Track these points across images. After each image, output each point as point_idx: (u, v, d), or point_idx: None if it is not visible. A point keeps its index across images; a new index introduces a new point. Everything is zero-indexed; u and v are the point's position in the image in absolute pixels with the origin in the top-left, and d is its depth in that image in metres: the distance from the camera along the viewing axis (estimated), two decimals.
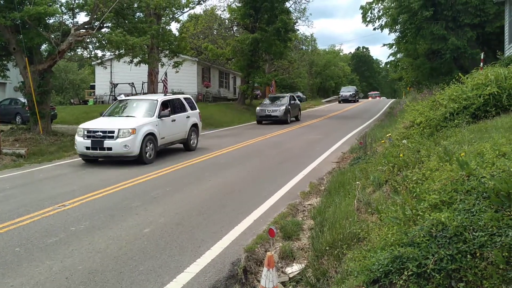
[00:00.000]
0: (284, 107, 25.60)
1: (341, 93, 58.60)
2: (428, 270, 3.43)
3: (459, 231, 3.50)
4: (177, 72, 27.78)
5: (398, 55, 38.18)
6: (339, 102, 55.76)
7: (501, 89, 7.57)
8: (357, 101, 57.34)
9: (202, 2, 32.17)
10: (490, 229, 3.42)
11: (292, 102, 27.46)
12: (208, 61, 40.67)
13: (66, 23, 18.93)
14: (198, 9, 69.80)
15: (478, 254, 3.36)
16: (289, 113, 25.93)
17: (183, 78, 34.87)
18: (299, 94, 58.54)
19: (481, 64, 14.42)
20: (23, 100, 22.20)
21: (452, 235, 3.52)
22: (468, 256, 3.37)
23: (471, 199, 3.76)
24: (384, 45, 45.74)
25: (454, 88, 8.54)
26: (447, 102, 8.04)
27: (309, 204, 7.97)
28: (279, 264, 5.37)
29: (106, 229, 6.62)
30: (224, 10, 40.66)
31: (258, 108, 26.81)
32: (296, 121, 27.08)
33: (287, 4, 36.53)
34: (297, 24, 42.95)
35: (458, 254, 3.41)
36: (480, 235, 3.42)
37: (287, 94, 29.25)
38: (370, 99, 68.64)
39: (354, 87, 67.32)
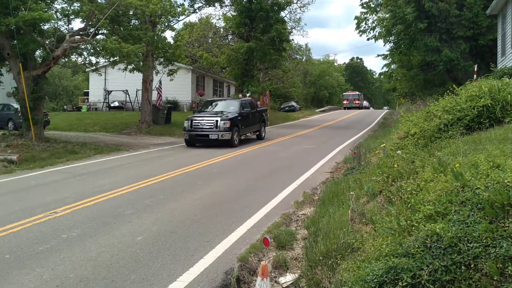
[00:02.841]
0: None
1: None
2: (422, 281, 3.41)
3: (454, 242, 3.49)
4: (171, 80, 27.78)
5: (392, 66, 38.45)
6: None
7: (495, 101, 7.62)
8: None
9: (197, 10, 32.39)
10: (484, 241, 3.41)
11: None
12: (202, 70, 40.76)
13: (61, 29, 18.95)
14: (194, 18, 70.16)
15: (472, 265, 3.35)
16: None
17: (178, 86, 34.90)
18: (293, 103, 58.79)
19: (475, 76, 14.54)
20: (16, 106, 22.08)
21: (447, 246, 3.50)
22: (463, 267, 3.36)
23: (466, 210, 3.76)
24: (378, 55, 46.21)
25: (448, 100, 8.59)
26: (442, 113, 8.08)
27: (303, 214, 7.95)
28: (272, 274, 5.33)
29: (98, 236, 6.55)
30: (219, 18, 41.02)
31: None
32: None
33: (282, 14, 36.82)
34: (292, 33, 43.23)
35: (452, 265, 3.39)
36: (474, 246, 3.40)
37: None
38: (345, 102, 68.86)
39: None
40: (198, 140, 18.93)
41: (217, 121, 18.30)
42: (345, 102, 68.64)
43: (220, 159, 14.69)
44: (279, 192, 9.62)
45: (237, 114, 19.16)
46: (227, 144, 18.21)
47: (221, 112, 19.44)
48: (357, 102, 67.27)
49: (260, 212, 7.99)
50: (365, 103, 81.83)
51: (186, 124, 18.99)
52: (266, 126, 23.47)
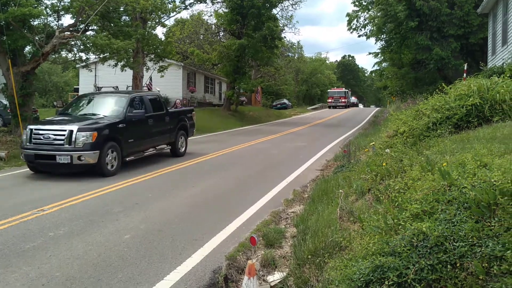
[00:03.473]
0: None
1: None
2: (408, 280, 3.41)
3: (440, 241, 3.49)
4: (162, 76, 27.66)
5: (383, 64, 38.60)
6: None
7: (483, 100, 7.66)
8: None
9: (189, 7, 32.23)
10: (470, 240, 3.41)
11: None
12: (194, 66, 40.60)
13: (51, 25, 18.71)
14: (185, 14, 69.81)
15: (458, 265, 3.36)
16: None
17: (168, 83, 34.72)
18: (285, 101, 58.83)
19: (464, 75, 14.62)
20: (4, 102, 21.84)
21: (433, 245, 3.51)
22: (449, 266, 3.36)
23: (452, 209, 3.77)
24: (369, 53, 46.27)
25: (437, 98, 8.62)
26: (430, 112, 8.10)
27: (292, 212, 7.94)
28: (260, 272, 5.31)
29: (85, 234, 6.50)
30: (211, 15, 40.78)
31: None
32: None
33: (274, 11, 36.74)
34: (284, 31, 43.21)
35: (438, 264, 3.40)
36: (460, 245, 3.41)
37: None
38: (330, 101, 63.24)
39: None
40: (39, 164, 11.39)
41: (71, 131, 10.83)
42: (329, 100, 62.79)
43: (210, 156, 14.64)
44: (269, 189, 9.61)
45: (118, 120, 11.83)
46: (92, 171, 11.15)
47: (91, 115, 12.25)
48: (343, 100, 61.67)
49: (250, 210, 7.97)
50: (353, 99, 78.54)
51: (25, 136, 11.60)
52: (191, 136, 16.50)
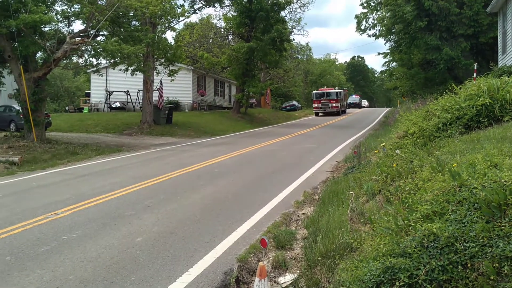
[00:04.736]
0: None
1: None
2: (419, 281, 3.42)
3: (451, 241, 3.50)
4: (172, 80, 27.83)
5: (392, 64, 38.45)
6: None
7: (494, 100, 7.62)
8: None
9: (197, 11, 32.48)
10: (481, 240, 3.42)
11: None
12: (203, 70, 40.80)
13: (62, 31, 18.98)
14: (194, 18, 70.12)
15: (469, 265, 3.36)
16: None
17: (179, 87, 34.96)
18: (294, 102, 58.80)
19: (474, 74, 14.54)
20: (17, 107, 22.13)
21: (444, 245, 3.51)
22: (459, 267, 3.37)
23: (463, 210, 3.77)
24: (378, 53, 46.07)
25: (447, 99, 8.59)
26: (440, 113, 8.07)
27: (303, 214, 7.96)
28: (271, 274, 5.34)
29: (98, 238, 6.58)
30: (220, 19, 41.03)
31: None
32: None
33: (283, 14, 36.83)
34: (292, 33, 43.26)
35: (449, 265, 3.40)
36: (471, 246, 3.42)
37: None
38: (315, 105, 44.66)
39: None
40: None
41: None
42: (315, 105, 44.45)
43: (221, 158, 14.71)
44: (280, 191, 9.63)
45: None
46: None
47: None
48: (334, 105, 43.24)
49: (261, 212, 8.00)
50: (356, 98, 71.89)
51: None
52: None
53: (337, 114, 43.07)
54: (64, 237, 6.65)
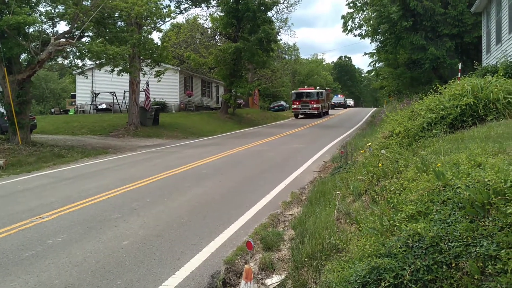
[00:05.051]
0: None
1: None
2: (404, 281, 3.44)
3: (435, 241, 3.52)
4: (159, 81, 27.69)
5: (377, 64, 38.71)
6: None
7: (478, 99, 7.70)
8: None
9: (184, 11, 32.34)
10: (465, 240, 3.44)
11: None
12: (190, 70, 40.68)
13: (46, 32, 18.75)
14: (181, 18, 69.88)
15: (453, 265, 3.38)
16: None
17: (165, 87, 34.81)
18: (282, 103, 58.91)
19: (459, 74, 14.69)
20: (1, 110, 21.83)
21: (428, 245, 3.53)
22: (444, 266, 3.39)
23: (447, 209, 3.79)
24: (365, 54, 46.25)
25: (432, 98, 8.66)
26: (425, 112, 8.14)
27: (290, 214, 7.96)
28: (259, 276, 5.34)
29: (83, 241, 6.51)
30: (207, 19, 40.94)
31: None
32: None
33: (269, 14, 36.83)
34: (279, 33, 43.31)
35: (434, 265, 3.42)
36: (455, 245, 3.44)
37: None
38: (295, 107, 41.37)
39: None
40: None
41: None
42: (294, 106, 41.27)
43: (209, 160, 14.66)
44: (267, 192, 9.63)
45: None
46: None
47: None
48: (315, 106, 39.96)
49: (248, 213, 7.98)
50: (341, 98, 67.25)
51: None
52: None
53: (318, 116, 40.02)
54: (49, 241, 6.57)
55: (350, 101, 77.60)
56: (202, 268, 5.46)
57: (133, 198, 9.25)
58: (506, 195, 3.55)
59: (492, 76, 8.70)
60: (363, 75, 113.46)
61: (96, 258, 5.83)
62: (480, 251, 3.33)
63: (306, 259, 5.05)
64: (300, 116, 40.96)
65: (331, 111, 49.81)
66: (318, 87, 46.59)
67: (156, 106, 30.06)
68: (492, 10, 18.27)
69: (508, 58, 12.58)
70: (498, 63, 12.32)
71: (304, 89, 42.83)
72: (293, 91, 42.97)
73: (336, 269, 4.09)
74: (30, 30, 18.10)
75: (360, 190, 6.78)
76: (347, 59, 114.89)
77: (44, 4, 18.56)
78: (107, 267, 5.52)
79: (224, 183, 10.84)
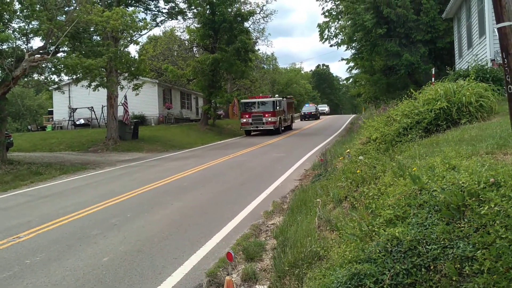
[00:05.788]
0: None
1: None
2: (385, 286, 3.46)
3: (413, 245, 3.56)
4: (137, 94, 27.48)
5: (353, 71, 39.19)
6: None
7: (451, 103, 7.86)
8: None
9: (160, 24, 32.27)
10: (442, 242, 3.49)
11: None
12: (169, 83, 40.53)
13: (20, 48, 18.48)
14: (157, 31, 69.75)
15: (432, 267, 3.43)
16: None
17: (144, 101, 34.59)
18: None
19: (433, 79, 14.96)
20: None
21: (407, 249, 3.57)
22: (423, 269, 3.43)
23: (424, 212, 3.85)
24: (342, 59, 46.84)
25: (406, 104, 8.81)
26: (401, 118, 8.27)
27: (272, 224, 7.96)
28: (241, 287, 5.31)
29: (62, 260, 6.39)
30: (184, 31, 40.82)
31: None
32: None
33: (246, 25, 37.00)
34: (257, 44, 43.53)
35: (413, 268, 3.46)
36: (433, 248, 3.48)
37: None
38: (244, 121, 31.91)
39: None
40: None
41: None
42: (243, 120, 32.14)
43: (190, 172, 14.58)
44: (248, 203, 9.61)
45: None
46: None
47: None
48: (270, 119, 30.93)
49: (230, 224, 7.95)
50: (311, 107, 55.19)
51: None
52: None
53: (276, 132, 31.25)
54: (27, 261, 6.44)
55: (325, 108, 69.11)
56: (184, 282, 5.41)
57: (113, 214, 9.13)
58: (480, 196, 3.62)
59: (464, 80, 8.90)
60: (341, 83, 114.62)
61: (75, 276, 5.73)
62: (457, 253, 3.38)
63: (287, 268, 5.05)
64: (253, 133, 32.71)
65: (299, 124, 43.07)
66: (277, 95, 37.54)
67: (135, 120, 29.83)
68: (463, 15, 18.72)
69: (479, 62, 12.89)
70: (469, 67, 12.61)
71: (256, 98, 34.06)
72: (242, 101, 34.39)
73: (318, 277, 4.11)
74: (4, 47, 17.83)
75: (340, 197, 6.83)
76: (325, 67, 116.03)
77: (18, 20, 18.31)
78: (87, 285, 5.43)
79: (205, 195, 10.79)
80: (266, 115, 30.95)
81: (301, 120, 49.51)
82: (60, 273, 5.88)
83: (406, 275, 3.46)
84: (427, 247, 3.53)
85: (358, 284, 3.58)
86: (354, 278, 3.63)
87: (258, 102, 32.10)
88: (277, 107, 31.96)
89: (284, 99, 35.91)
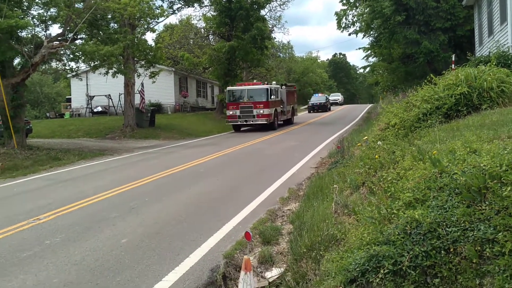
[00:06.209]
0: None
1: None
2: (403, 268, 3.45)
3: (433, 227, 3.53)
4: (153, 82, 27.62)
5: (371, 59, 38.67)
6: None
7: (472, 88, 7.73)
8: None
9: (176, 12, 32.27)
10: (462, 224, 3.46)
11: None
12: (185, 71, 40.60)
13: (39, 35, 18.68)
14: (174, 19, 69.67)
15: (452, 250, 3.40)
16: None
17: (160, 89, 34.72)
18: None
19: (453, 65, 14.72)
20: None
21: (426, 231, 3.55)
22: (442, 252, 3.40)
23: (444, 195, 3.81)
24: (359, 48, 46.16)
25: (426, 89, 8.68)
26: (420, 103, 8.16)
27: (288, 209, 7.97)
28: (258, 269, 5.34)
29: (82, 241, 6.50)
30: (200, 19, 40.73)
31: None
32: None
33: (262, 12, 36.78)
34: (273, 31, 43.23)
35: (432, 251, 3.44)
36: (453, 230, 3.45)
37: None
38: (231, 113, 26.11)
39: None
40: None
41: None
42: (230, 112, 26.38)
43: (206, 159, 14.65)
44: (265, 189, 9.62)
45: None
46: None
47: None
48: (263, 111, 25.42)
49: (246, 209, 7.98)
50: (321, 97, 48.79)
51: None
52: None
53: (271, 127, 25.96)
54: (47, 241, 6.55)
55: (338, 97, 61.87)
56: (201, 263, 5.46)
57: (131, 198, 9.23)
58: (502, 178, 3.57)
59: (485, 66, 8.74)
60: (358, 72, 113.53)
61: (95, 256, 5.82)
62: (478, 235, 3.35)
63: (304, 251, 5.05)
64: (242, 128, 27.38)
65: (304, 117, 37.97)
66: (274, 82, 30.55)
67: (151, 108, 30.00)
68: (483, 2, 18.32)
69: (501, 48, 12.62)
70: (490, 53, 12.36)
71: (245, 85, 27.55)
72: (227, 89, 27.88)
73: (335, 259, 4.10)
74: (23, 34, 18.04)
75: (358, 183, 6.80)
76: (341, 56, 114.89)
77: (36, 7, 18.50)
78: (106, 264, 5.51)
79: (222, 181, 10.84)
80: (258, 106, 25.44)
81: (309, 112, 44.62)
82: (79, 253, 5.97)
83: (425, 257, 3.44)
84: (447, 229, 3.49)
85: (376, 266, 3.57)
86: (373, 260, 3.62)
87: (247, 89, 26.33)
88: (272, 97, 26.17)
89: (283, 86, 30.39)
